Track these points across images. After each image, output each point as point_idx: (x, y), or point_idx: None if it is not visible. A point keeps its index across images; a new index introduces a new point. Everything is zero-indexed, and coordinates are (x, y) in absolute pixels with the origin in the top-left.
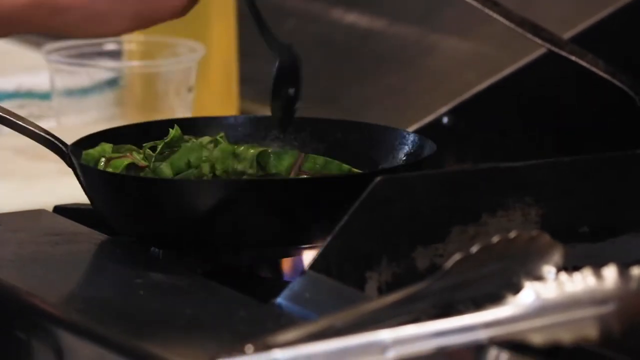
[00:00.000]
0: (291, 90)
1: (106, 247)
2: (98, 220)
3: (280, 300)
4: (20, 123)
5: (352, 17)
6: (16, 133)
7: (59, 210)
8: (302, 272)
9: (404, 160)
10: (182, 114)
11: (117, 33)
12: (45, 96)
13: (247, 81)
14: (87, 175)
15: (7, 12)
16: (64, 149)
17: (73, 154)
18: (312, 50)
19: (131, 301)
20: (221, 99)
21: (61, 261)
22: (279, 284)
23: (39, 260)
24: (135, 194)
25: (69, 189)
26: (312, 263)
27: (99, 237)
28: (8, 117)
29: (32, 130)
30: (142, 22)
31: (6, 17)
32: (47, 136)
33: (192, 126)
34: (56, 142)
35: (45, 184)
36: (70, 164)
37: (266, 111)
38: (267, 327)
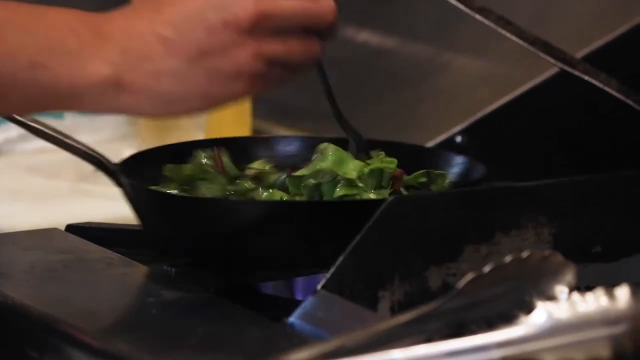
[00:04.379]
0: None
1: (118, 265)
2: (110, 239)
3: (292, 319)
4: (67, 141)
5: (364, 36)
6: (29, 152)
7: (72, 229)
8: (315, 292)
9: (451, 183)
10: (194, 132)
11: (187, 113)
12: (58, 115)
13: (259, 99)
14: (136, 194)
15: (71, 90)
16: (109, 166)
17: (122, 171)
18: (324, 68)
19: (144, 319)
20: (234, 117)
21: (73, 280)
22: (292, 303)
23: (52, 278)
24: (173, 212)
25: (81, 208)
26: (325, 282)
27: (111, 255)
28: (54, 134)
29: (79, 148)
30: (212, 103)
31: (71, 96)
32: (94, 154)
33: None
34: (102, 159)
35: (58, 202)
36: (117, 182)
37: (278, 130)
38: (280, 346)
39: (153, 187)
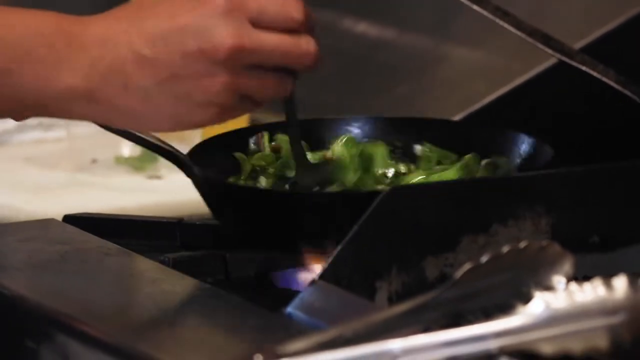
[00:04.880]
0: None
1: (116, 256)
2: (108, 229)
3: (290, 309)
4: (140, 135)
5: (362, 27)
6: (26, 143)
7: (69, 219)
8: (312, 282)
9: (519, 165)
10: None
11: (154, 130)
12: None
13: None
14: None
15: (37, 98)
16: (183, 158)
17: (192, 161)
18: (322, 59)
19: (141, 310)
20: None
21: (71, 270)
22: (289, 293)
23: (49, 269)
24: (237, 203)
25: (78, 199)
26: (322, 272)
27: (108, 246)
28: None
29: (152, 142)
30: (177, 125)
31: (37, 103)
32: (166, 147)
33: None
34: (175, 152)
35: (55, 193)
36: (188, 173)
37: (277, 119)
38: (277, 337)
39: (229, 179)
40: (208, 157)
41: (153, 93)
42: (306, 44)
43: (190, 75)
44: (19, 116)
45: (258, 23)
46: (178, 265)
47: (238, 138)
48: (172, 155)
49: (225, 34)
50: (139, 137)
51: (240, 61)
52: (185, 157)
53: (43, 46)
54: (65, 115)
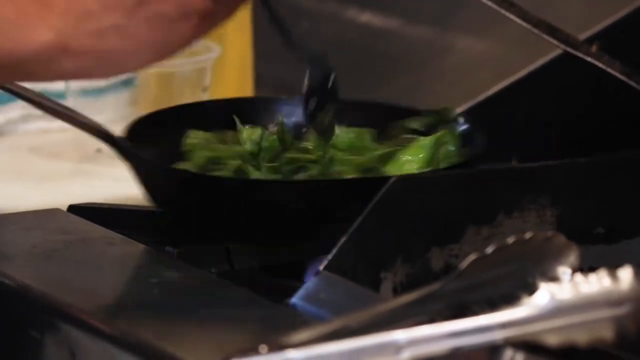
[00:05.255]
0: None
1: (120, 246)
2: (113, 219)
3: (294, 300)
4: (73, 115)
5: (366, 17)
6: (31, 133)
7: (74, 209)
8: (317, 273)
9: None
10: None
11: (135, 69)
12: (59, 96)
13: (261, 81)
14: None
15: (14, 60)
16: (119, 142)
17: (123, 143)
18: (325, 50)
19: (145, 300)
20: (235, 94)
21: (75, 260)
22: (294, 284)
23: (53, 259)
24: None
25: (83, 188)
26: (327, 263)
27: (113, 236)
28: (60, 109)
29: (86, 123)
30: (160, 52)
31: (14, 66)
32: (102, 129)
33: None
34: (110, 134)
35: (60, 183)
36: (122, 155)
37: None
38: (282, 327)
39: (177, 166)
40: (148, 135)
41: (125, 27)
42: None
43: None
44: None
45: None
46: (182, 256)
47: (181, 114)
48: (109, 139)
49: None
50: (76, 119)
51: None
52: (124, 141)
53: (8, 6)
54: (45, 76)
